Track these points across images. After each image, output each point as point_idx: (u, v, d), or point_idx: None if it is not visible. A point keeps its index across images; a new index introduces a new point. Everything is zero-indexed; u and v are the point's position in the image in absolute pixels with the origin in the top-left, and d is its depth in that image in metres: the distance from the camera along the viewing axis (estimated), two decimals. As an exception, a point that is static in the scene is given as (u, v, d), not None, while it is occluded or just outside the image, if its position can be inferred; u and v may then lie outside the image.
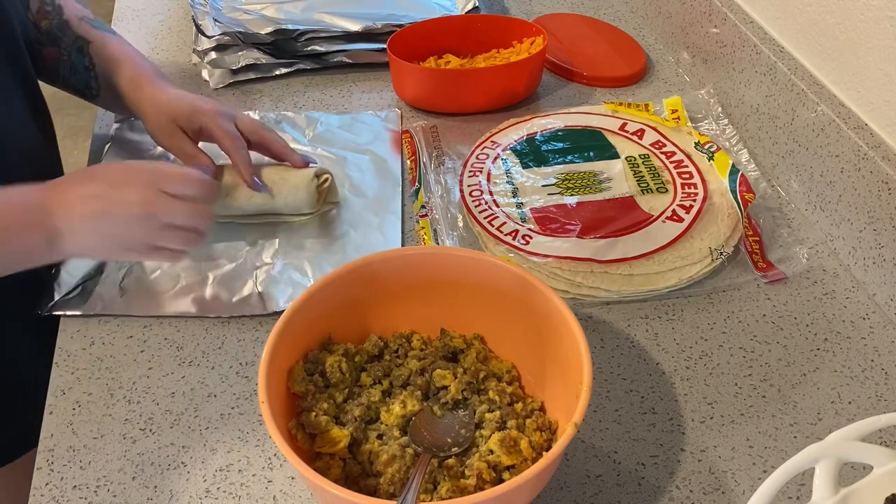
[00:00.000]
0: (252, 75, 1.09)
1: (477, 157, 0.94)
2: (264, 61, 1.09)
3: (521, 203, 0.87)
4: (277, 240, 0.84)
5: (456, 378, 0.65)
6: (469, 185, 0.90)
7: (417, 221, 0.87)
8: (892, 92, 0.77)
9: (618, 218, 0.84)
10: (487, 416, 0.62)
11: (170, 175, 0.70)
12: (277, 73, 1.09)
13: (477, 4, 1.17)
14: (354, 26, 1.11)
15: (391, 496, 0.58)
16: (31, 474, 0.66)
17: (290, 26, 1.09)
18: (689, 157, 0.92)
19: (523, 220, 0.85)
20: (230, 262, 0.82)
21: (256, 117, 1.01)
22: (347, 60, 1.10)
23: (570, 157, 0.93)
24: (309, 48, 1.09)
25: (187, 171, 0.72)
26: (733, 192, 0.86)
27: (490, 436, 0.61)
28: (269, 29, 1.08)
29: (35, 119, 0.87)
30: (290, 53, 1.09)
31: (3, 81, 0.80)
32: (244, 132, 0.83)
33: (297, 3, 1.16)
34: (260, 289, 0.79)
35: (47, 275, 0.80)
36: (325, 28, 1.11)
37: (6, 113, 0.81)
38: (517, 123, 1.00)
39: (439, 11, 1.18)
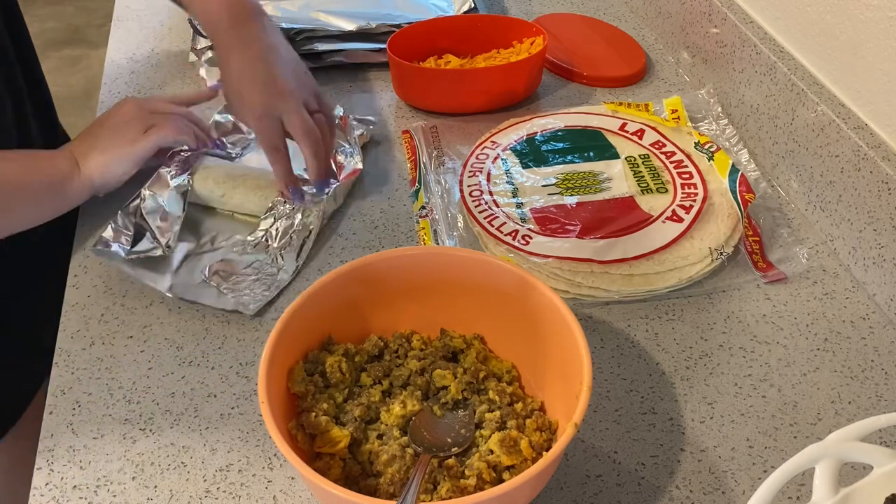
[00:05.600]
0: (251, 75, 1.09)
1: (477, 157, 0.94)
2: (263, 61, 1.08)
3: (521, 203, 0.87)
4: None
5: (456, 378, 0.65)
6: (469, 185, 0.90)
7: (417, 222, 0.87)
8: (892, 92, 0.77)
9: (618, 218, 0.84)
10: (487, 416, 0.62)
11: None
12: (276, 72, 1.09)
13: (473, 5, 1.16)
14: (350, 26, 1.11)
15: (391, 496, 0.58)
16: (33, 438, 0.67)
17: (286, 25, 1.09)
18: (689, 157, 0.92)
19: (523, 220, 0.85)
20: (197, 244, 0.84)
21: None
22: (345, 60, 1.10)
23: (570, 157, 0.93)
24: (307, 47, 1.09)
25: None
26: (733, 192, 0.86)
27: (490, 436, 0.61)
28: (268, 28, 1.08)
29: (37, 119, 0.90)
30: (289, 53, 1.09)
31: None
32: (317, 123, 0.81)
33: (294, 2, 1.16)
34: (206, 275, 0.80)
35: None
36: (321, 27, 1.10)
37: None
38: (517, 123, 1.00)
39: (435, 12, 1.17)
